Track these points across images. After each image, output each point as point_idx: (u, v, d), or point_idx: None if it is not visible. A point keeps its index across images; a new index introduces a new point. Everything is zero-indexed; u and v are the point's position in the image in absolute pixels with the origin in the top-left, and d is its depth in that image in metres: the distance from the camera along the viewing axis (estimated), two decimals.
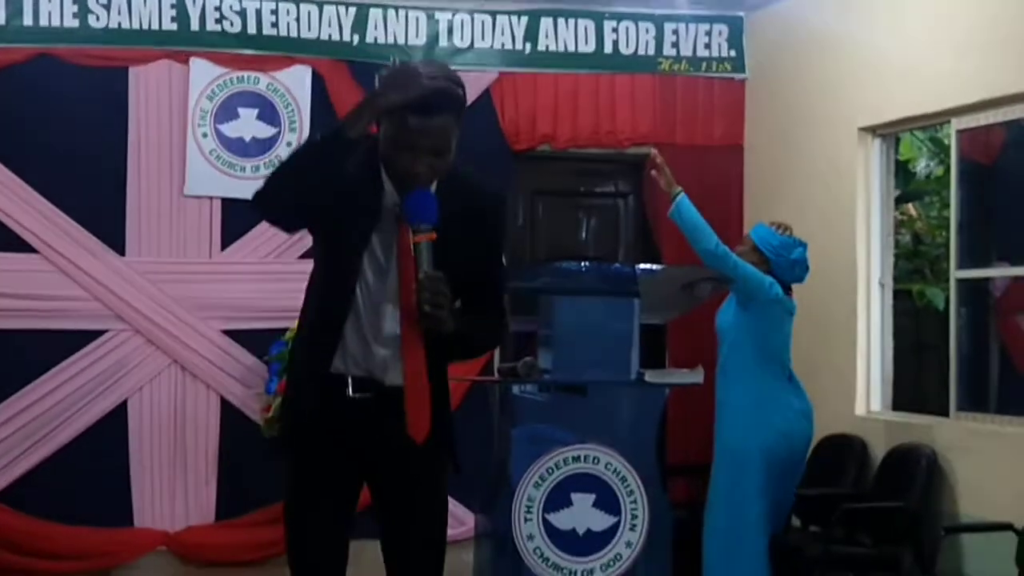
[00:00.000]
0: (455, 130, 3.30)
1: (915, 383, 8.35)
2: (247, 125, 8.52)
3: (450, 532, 3.68)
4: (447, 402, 3.52)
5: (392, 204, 3.34)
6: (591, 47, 8.97)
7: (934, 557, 6.68)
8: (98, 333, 8.26)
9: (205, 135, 8.43)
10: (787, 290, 6.82)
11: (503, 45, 8.86)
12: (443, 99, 3.22)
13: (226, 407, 8.34)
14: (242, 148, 8.50)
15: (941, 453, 7.04)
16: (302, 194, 3.27)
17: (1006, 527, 6.25)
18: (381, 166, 3.34)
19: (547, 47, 8.91)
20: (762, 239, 6.82)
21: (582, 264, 5.49)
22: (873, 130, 7.96)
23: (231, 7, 8.43)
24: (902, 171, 8.47)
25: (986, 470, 6.77)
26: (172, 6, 8.36)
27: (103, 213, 8.27)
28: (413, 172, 3.26)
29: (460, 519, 7.44)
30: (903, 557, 6.97)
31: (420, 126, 3.20)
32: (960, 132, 7.36)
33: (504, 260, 3.56)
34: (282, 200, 3.31)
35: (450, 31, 8.79)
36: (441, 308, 3.22)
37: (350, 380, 3.39)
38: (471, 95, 8.58)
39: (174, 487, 8.32)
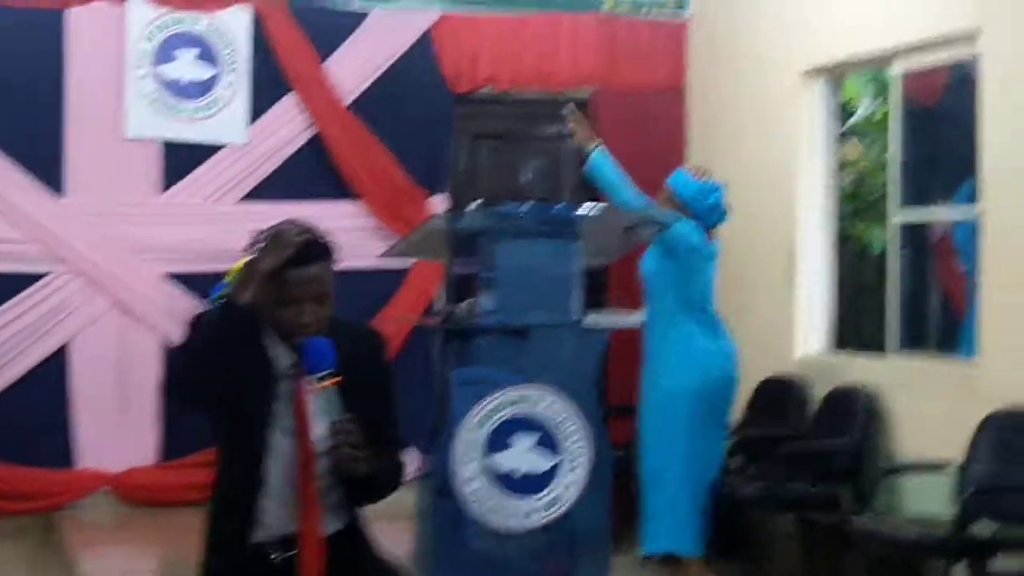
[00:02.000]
0: (331, 278, 3.42)
1: (855, 324, 8.41)
2: (186, 66, 8.45)
3: None
4: (368, 551, 3.59)
5: (287, 367, 3.42)
6: None
7: (872, 496, 6.75)
8: (38, 276, 8.20)
9: (144, 77, 8.34)
10: (708, 233, 6.83)
11: None
12: (314, 249, 3.38)
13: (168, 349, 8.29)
14: (181, 90, 8.43)
15: (880, 392, 7.10)
16: (214, 375, 3.31)
17: (943, 466, 6.31)
18: (265, 338, 3.41)
19: None
20: (679, 185, 6.81)
21: (523, 206, 5.42)
22: (816, 72, 7.96)
23: None
24: (844, 112, 8.47)
25: (923, 409, 6.83)
26: None
27: (41, 154, 8.20)
28: (301, 324, 3.36)
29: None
30: (842, 496, 7.06)
31: (298, 277, 3.34)
32: (903, 75, 7.38)
33: (395, 399, 3.60)
34: (197, 385, 3.35)
35: None
36: (358, 449, 3.32)
37: (271, 548, 3.45)
38: (412, 37, 8.67)
39: (117, 429, 8.29)
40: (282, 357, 3.42)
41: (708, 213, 6.79)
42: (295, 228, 3.38)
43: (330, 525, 3.47)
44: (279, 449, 3.40)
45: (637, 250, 6.73)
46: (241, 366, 3.36)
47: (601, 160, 6.60)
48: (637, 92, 9.01)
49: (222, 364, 3.30)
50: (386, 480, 3.54)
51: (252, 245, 3.38)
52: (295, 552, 3.42)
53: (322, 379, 3.32)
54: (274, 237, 3.35)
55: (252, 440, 3.39)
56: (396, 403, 3.63)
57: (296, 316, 3.35)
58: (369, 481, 3.45)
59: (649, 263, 6.88)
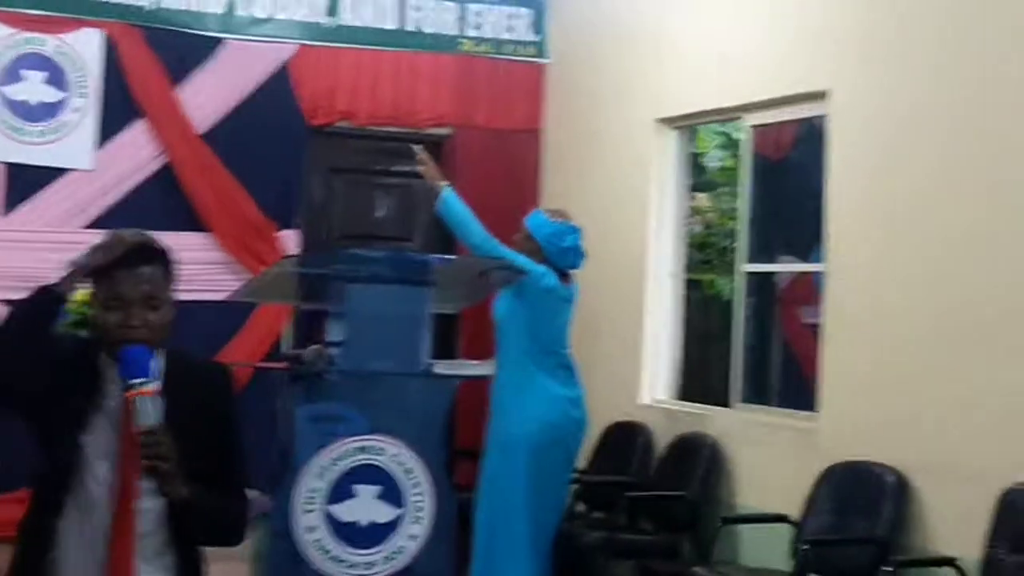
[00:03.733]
0: (165, 285, 3.24)
1: (702, 373, 8.49)
2: (33, 88, 8.20)
3: None
4: None
5: (118, 391, 3.17)
6: (393, 24, 8.88)
7: (712, 545, 6.81)
8: None
9: None
10: (565, 276, 6.85)
11: (304, 17, 8.71)
12: (146, 251, 3.22)
13: None
14: (27, 112, 8.19)
15: (722, 443, 7.18)
16: (18, 359, 3.13)
17: (782, 519, 6.38)
18: (100, 356, 3.22)
19: (349, 21, 8.79)
20: (536, 227, 6.84)
21: (377, 251, 5.38)
22: (670, 121, 8.05)
23: None
24: (694, 162, 8.57)
25: (764, 461, 6.92)
26: None
27: None
28: (128, 326, 3.15)
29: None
30: (682, 545, 7.12)
31: (126, 276, 3.17)
32: (753, 127, 7.49)
33: (239, 436, 3.42)
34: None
35: (249, 0, 8.59)
36: (164, 460, 3.06)
37: None
38: (269, 68, 8.57)
39: None
40: (113, 377, 3.18)
41: (563, 255, 6.80)
42: (130, 232, 3.25)
43: None
44: (96, 475, 3.15)
45: (488, 298, 6.71)
46: (64, 370, 3.19)
47: (451, 199, 6.59)
48: (494, 132, 9.02)
49: (27, 350, 3.11)
50: (222, 518, 3.32)
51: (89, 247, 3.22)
52: None
53: (132, 388, 3.07)
54: (107, 237, 3.21)
55: (67, 459, 3.14)
56: (240, 441, 3.44)
57: (124, 319, 3.15)
58: (196, 515, 3.20)
59: (501, 306, 6.87)
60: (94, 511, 3.16)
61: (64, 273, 3.19)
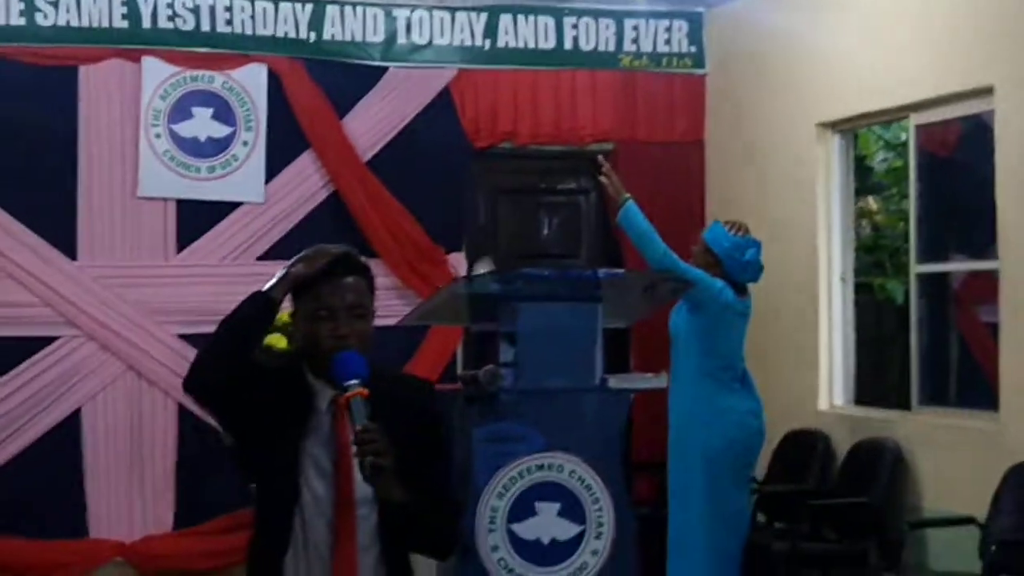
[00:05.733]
0: (369, 294, 3.34)
1: (877, 377, 8.35)
2: (202, 125, 8.38)
3: None
4: None
5: (327, 406, 3.28)
6: (551, 43, 8.90)
7: (899, 551, 6.68)
8: (50, 340, 8.10)
9: (158, 136, 8.30)
10: (742, 290, 6.77)
11: (462, 42, 8.77)
12: (349, 262, 3.32)
13: (184, 413, 8.17)
14: (197, 148, 8.37)
15: (904, 447, 7.05)
16: (232, 364, 3.25)
17: (968, 520, 6.24)
18: (306, 374, 3.31)
19: (507, 43, 8.83)
20: (715, 240, 6.77)
21: (545, 270, 5.38)
22: (832, 126, 7.94)
23: (184, 4, 8.30)
24: (860, 165, 8.43)
25: (948, 463, 6.79)
26: (123, 3, 8.20)
27: (53, 216, 8.10)
28: (339, 336, 3.25)
29: None
30: (869, 552, 6.98)
31: (333, 288, 3.27)
32: (918, 127, 7.35)
33: (448, 453, 3.50)
34: (214, 372, 3.26)
35: (408, 28, 8.68)
36: (383, 458, 3.10)
37: None
38: (430, 93, 8.66)
39: (131, 496, 8.16)
40: (322, 393, 3.28)
41: (742, 269, 6.73)
42: (334, 246, 3.34)
43: None
44: (314, 493, 3.24)
45: (659, 312, 6.67)
46: (274, 386, 3.27)
47: (633, 211, 6.54)
48: (657, 145, 8.98)
49: (243, 354, 3.23)
50: (435, 525, 3.33)
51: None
52: None
53: (347, 390, 3.15)
54: (311, 250, 3.30)
55: (284, 479, 3.24)
56: (447, 454, 3.51)
57: (332, 330, 3.23)
58: (411, 520, 3.24)
59: (678, 320, 6.82)
60: (315, 532, 3.24)
61: (274, 281, 3.28)
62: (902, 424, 7.22)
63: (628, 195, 6.59)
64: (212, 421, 8.06)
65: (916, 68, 7.12)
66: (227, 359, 3.25)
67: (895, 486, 7.01)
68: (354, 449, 3.13)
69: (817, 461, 7.61)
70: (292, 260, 3.31)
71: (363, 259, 3.37)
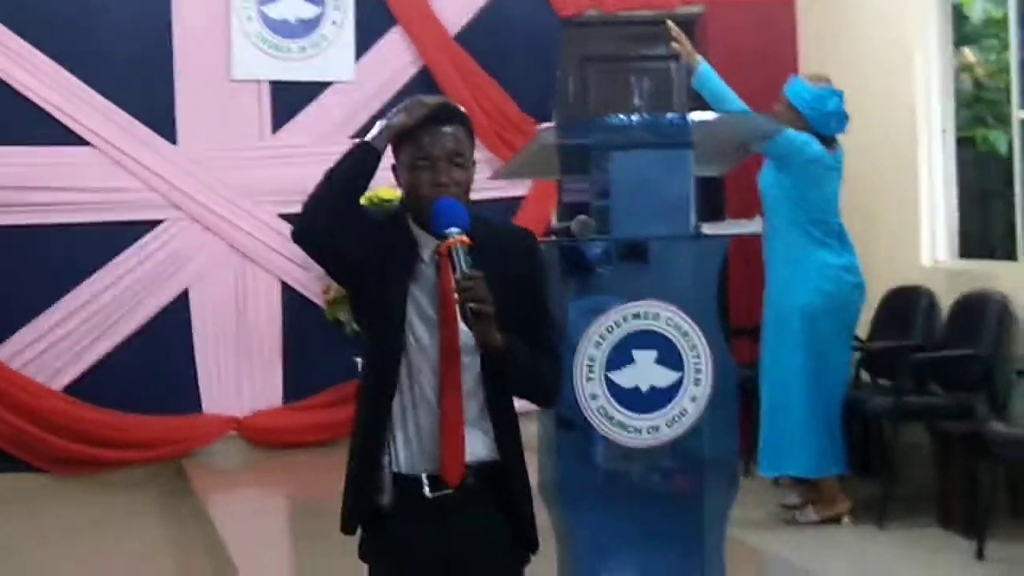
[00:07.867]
0: (468, 144, 3.33)
1: (981, 230, 8.20)
2: (291, 5, 8.45)
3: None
4: (519, 461, 3.38)
5: (430, 255, 3.30)
6: None
7: (1007, 402, 6.60)
8: (155, 223, 8.29)
9: (249, 18, 8.37)
10: (830, 143, 6.67)
11: None
12: (448, 111, 3.31)
13: (287, 291, 8.36)
14: (287, 29, 8.44)
15: (1010, 297, 6.94)
16: (339, 212, 3.26)
17: None
18: (410, 224, 3.33)
19: None
20: (796, 94, 6.70)
21: (634, 118, 5.30)
22: None
23: None
24: (958, 15, 8.22)
25: None
26: None
27: (152, 103, 8.27)
28: (439, 183, 3.25)
29: None
30: (975, 404, 6.90)
31: (432, 136, 3.27)
32: None
33: (550, 302, 3.46)
34: (323, 220, 3.26)
35: None
36: (484, 304, 3.12)
37: (424, 479, 3.29)
38: None
39: (240, 373, 8.38)
40: (425, 243, 3.31)
41: (826, 121, 6.65)
42: (431, 96, 3.37)
43: (478, 448, 3.29)
44: (419, 340, 3.28)
45: (752, 162, 6.60)
46: (381, 235, 3.31)
47: (707, 74, 6.54)
48: (747, 5, 8.84)
49: (350, 204, 3.26)
50: (541, 372, 3.35)
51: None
52: (450, 491, 3.25)
53: (448, 237, 3.17)
54: (409, 101, 3.32)
55: (391, 326, 3.27)
56: (551, 302, 3.49)
57: (433, 178, 3.25)
58: (513, 367, 3.24)
59: (766, 179, 6.77)
60: (421, 377, 3.28)
61: (375, 131, 3.28)
62: (1008, 275, 7.12)
63: (700, 58, 6.55)
64: (316, 299, 8.24)
65: None
66: (334, 207, 3.25)
67: (1002, 337, 6.90)
68: (456, 296, 3.15)
69: (921, 316, 7.51)
70: (392, 111, 3.32)
71: (459, 108, 3.36)
